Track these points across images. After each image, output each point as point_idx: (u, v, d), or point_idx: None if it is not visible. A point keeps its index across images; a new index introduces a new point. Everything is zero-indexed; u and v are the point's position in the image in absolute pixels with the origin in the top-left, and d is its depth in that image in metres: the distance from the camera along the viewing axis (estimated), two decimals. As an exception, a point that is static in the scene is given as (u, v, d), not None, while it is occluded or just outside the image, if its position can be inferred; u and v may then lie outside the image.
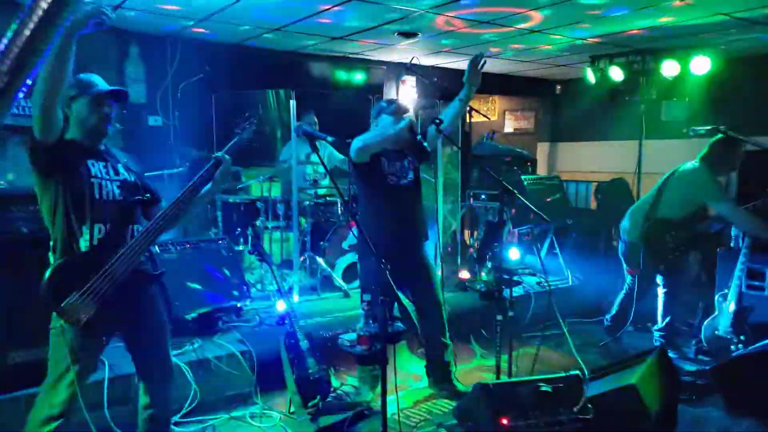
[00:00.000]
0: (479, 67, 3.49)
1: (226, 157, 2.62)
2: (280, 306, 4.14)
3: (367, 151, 3.41)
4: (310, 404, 3.40)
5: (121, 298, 2.34)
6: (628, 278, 4.61)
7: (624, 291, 4.65)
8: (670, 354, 3.70)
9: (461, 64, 7.12)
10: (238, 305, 4.29)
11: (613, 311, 4.82)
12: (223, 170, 2.60)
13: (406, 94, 6.82)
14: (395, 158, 3.55)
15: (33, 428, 2.38)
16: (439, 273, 4.29)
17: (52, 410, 2.35)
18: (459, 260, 5.87)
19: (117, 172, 2.50)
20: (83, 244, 2.32)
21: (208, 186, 2.62)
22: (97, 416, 3.12)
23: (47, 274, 2.26)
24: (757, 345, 3.75)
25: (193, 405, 3.44)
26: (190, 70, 5.72)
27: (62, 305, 2.23)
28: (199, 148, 5.60)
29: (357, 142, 3.44)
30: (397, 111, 3.48)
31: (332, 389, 3.64)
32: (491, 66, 7.22)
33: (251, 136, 2.77)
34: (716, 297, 4.38)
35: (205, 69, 5.51)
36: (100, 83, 2.48)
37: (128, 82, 5.65)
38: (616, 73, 6.16)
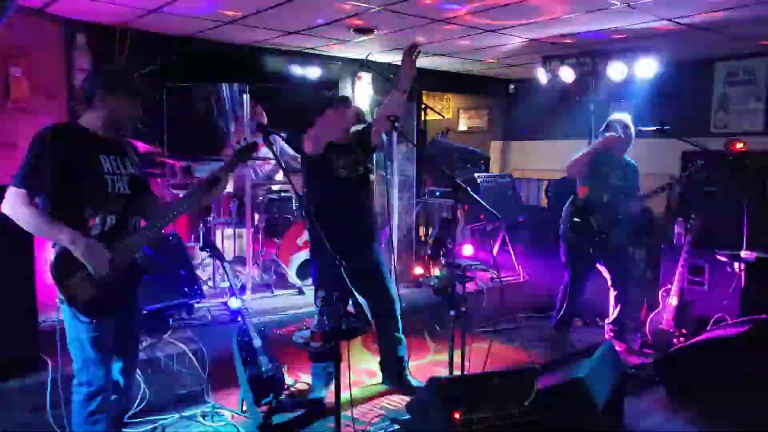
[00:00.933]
0: (413, 57, 3.52)
1: (222, 176, 2.74)
2: (233, 303, 4.08)
3: (320, 139, 3.42)
4: (263, 402, 3.37)
5: (118, 286, 2.51)
6: (566, 272, 4.72)
7: (563, 286, 4.78)
8: (616, 347, 3.82)
9: (417, 61, 7.14)
10: (190, 303, 4.20)
11: (558, 307, 4.94)
12: (221, 188, 2.78)
13: (362, 90, 6.80)
14: (343, 152, 3.55)
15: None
16: (393, 268, 4.31)
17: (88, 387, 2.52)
18: (413, 256, 5.91)
19: (125, 166, 2.61)
20: (95, 231, 2.47)
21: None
22: (39, 417, 3.03)
23: (54, 254, 2.41)
24: (698, 338, 3.92)
25: (143, 405, 3.37)
26: (140, 62, 5.55)
27: (66, 281, 2.39)
28: (148, 142, 5.44)
29: (309, 134, 3.48)
30: (341, 104, 3.58)
31: (286, 387, 3.61)
32: (445, 64, 7.29)
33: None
34: (660, 292, 4.55)
35: (156, 61, 5.35)
36: (131, 79, 2.65)
37: (75, 72, 5.45)
38: (567, 74, 6.31)
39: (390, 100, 3.62)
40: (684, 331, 4.30)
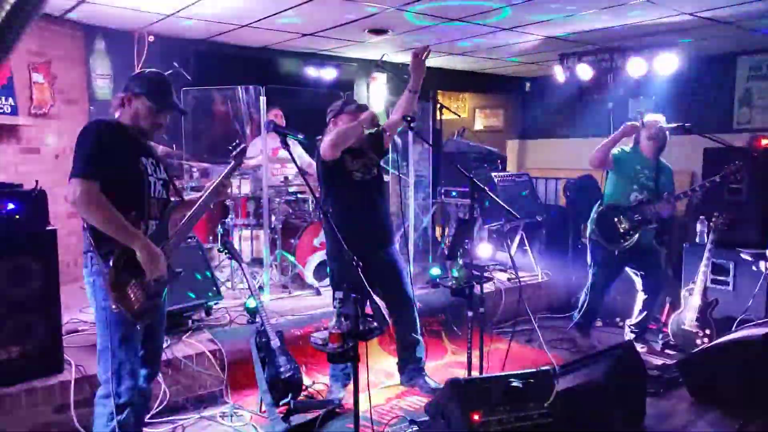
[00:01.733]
0: (422, 58, 3.53)
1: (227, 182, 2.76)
2: (251, 304, 4.10)
3: (339, 146, 3.40)
4: (281, 403, 3.37)
5: (158, 292, 2.48)
6: (591, 273, 4.66)
7: (587, 287, 4.71)
8: (638, 348, 3.77)
9: (431, 60, 7.12)
10: (208, 304, 4.23)
11: (580, 307, 4.89)
12: (226, 194, 2.81)
13: (377, 90, 6.80)
14: (357, 155, 3.56)
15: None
16: (410, 269, 4.29)
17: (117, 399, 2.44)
18: (430, 257, 5.89)
19: (161, 170, 2.59)
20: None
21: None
22: (63, 417, 3.07)
23: (113, 260, 2.30)
24: (722, 338, 3.85)
25: (163, 405, 3.39)
26: (157, 66, 5.60)
27: (123, 288, 2.31)
28: (167, 145, 5.49)
29: (323, 143, 3.45)
30: (357, 110, 3.53)
31: (304, 388, 3.62)
32: (461, 63, 7.26)
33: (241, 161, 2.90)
34: (682, 292, 4.48)
35: (173, 65, 5.40)
36: (167, 90, 2.57)
37: (94, 78, 5.53)
38: (584, 71, 6.25)
39: (402, 102, 3.64)
40: (707, 331, 4.22)
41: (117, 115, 2.53)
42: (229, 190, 2.80)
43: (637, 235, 4.33)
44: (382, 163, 3.76)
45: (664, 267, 5.61)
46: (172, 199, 2.69)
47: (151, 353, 2.66)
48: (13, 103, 4.67)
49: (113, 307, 2.31)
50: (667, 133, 4.42)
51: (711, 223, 4.41)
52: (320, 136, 3.59)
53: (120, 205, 2.34)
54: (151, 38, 5.55)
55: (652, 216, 4.32)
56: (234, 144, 2.78)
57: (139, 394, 2.59)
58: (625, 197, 4.40)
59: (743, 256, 4.59)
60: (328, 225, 2.99)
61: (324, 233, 4.08)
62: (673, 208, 4.40)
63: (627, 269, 4.58)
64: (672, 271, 5.92)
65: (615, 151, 4.41)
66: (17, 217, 3.05)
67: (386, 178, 3.87)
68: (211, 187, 2.72)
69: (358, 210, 3.52)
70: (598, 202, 4.55)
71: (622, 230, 4.36)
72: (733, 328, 4.16)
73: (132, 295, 2.35)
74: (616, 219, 4.38)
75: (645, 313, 4.56)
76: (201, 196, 2.72)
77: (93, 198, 2.27)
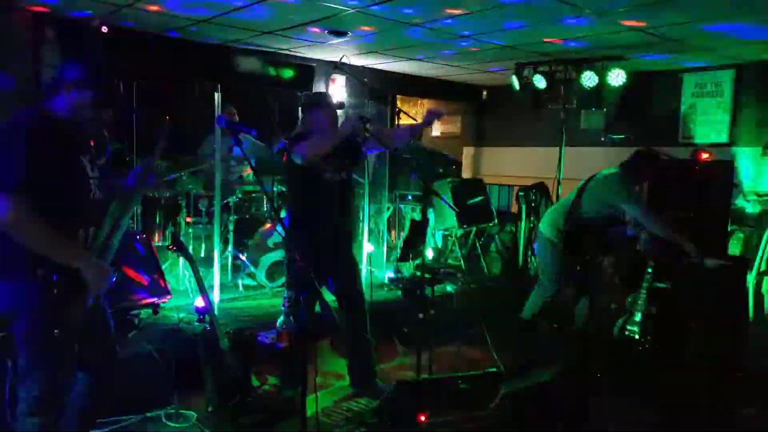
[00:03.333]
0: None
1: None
2: (200, 304, 4.03)
3: (319, 156, 3.37)
4: (229, 404, 3.33)
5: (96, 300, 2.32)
6: (542, 278, 4.77)
7: (535, 290, 4.81)
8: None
9: (391, 65, 7.18)
10: (156, 303, 4.14)
11: (529, 309, 4.99)
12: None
13: (336, 92, 6.80)
14: (330, 155, 3.54)
15: None
16: (363, 270, 4.31)
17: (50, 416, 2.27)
18: (383, 259, 5.92)
19: (95, 167, 2.34)
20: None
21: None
22: None
23: (56, 276, 2.11)
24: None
25: (106, 405, 3.29)
26: (111, 58, 5.46)
27: (66, 307, 2.15)
28: (118, 140, 5.36)
29: (303, 149, 3.38)
30: (329, 107, 3.52)
31: (252, 389, 3.58)
32: (420, 69, 7.33)
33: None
34: (627, 299, 4.62)
35: (128, 57, 5.27)
36: (111, 82, 2.37)
37: (42, 68, 5.33)
38: (540, 82, 6.39)
39: (399, 133, 3.84)
40: (650, 338, 4.36)
41: (48, 105, 2.22)
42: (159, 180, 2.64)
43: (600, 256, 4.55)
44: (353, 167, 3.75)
45: (610, 273, 5.79)
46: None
47: (95, 354, 2.48)
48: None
49: (56, 332, 2.13)
50: None
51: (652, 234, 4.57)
52: (291, 134, 3.54)
53: (58, 213, 2.10)
54: (105, 29, 5.39)
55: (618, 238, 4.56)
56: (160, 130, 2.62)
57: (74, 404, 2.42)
58: (597, 216, 4.56)
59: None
60: (282, 223, 2.97)
61: (278, 232, 4.06)
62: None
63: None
64: (619, 278, 6.12)
65: None
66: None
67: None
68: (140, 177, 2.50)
69: (324, 209, 3.49)
70: (563, 213, 4.65)
71: (587, 248, 4.52)
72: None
73: (73, 315, 2.18)
74: (584, 237, 4.54)
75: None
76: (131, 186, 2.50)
77: (24, 218, 2.01)
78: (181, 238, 5.17)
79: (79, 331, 2.26)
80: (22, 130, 2.09)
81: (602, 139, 7.04)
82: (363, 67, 7.19)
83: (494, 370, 2.92)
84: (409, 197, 6.16)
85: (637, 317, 4.42)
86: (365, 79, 6.61)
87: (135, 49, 5.49)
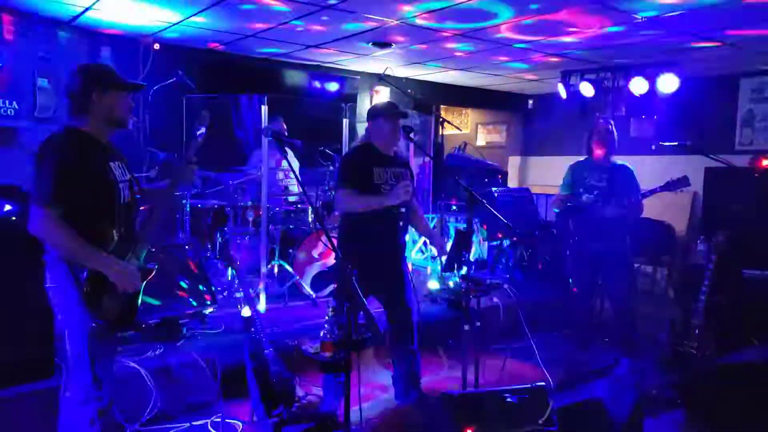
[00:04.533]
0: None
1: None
2: (246, 313, 4.07)
3: (350, 211, 3.53)
4: (273, 414, 3.33)
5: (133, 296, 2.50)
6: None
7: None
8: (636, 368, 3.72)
9: (434, 76, 7.17)
10: (203, 312, 4.20)
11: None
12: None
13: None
14: (386, 164, 3.56)
15: None
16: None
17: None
18: (428, 270, 5.87)
19: (126, 171, 2.54)
20: (112, 246, 2.41)
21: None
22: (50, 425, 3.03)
23: (85, 277, 2.31)
24: (722, 361, 3.81)
25: (154, 412, 3.35)
26: (162, 73, 5.64)
27: (99, 304, 2.33)
28: (168, 151, 5.50)
29: (338, 201, 3.56)
30: (393, 117, 3.54)
31: (297, 398, 3.58)
32: (464, 79, 7.29)
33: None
34: (684, 312, 4.43)
35: (178, 72, 5.43)
36: (116, 71, 2.52)
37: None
38: (587, 89, 6.26)
39: (424, 224, 3.92)
40: (708, 353, 4.17)
41: (75, 122, 2.42)
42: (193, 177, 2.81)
43: (587, 237, 4.41)
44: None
45: (664, 286, 5.59)
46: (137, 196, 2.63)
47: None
48: (16, 107, 4.69)
49: (92, 324, 2.32)
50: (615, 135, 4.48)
51: (712, 243, 4.38)
52: (352, 145, 3.63)
53: (90, 218, 2.32)
54: (157, 46, 5.58)
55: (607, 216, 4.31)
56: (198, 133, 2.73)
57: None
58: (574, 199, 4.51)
59: (747, 276, 4.55)
60: (328, 235, 2.98)
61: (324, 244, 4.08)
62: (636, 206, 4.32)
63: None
64: (673, 290, 5.90)
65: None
66: (14, 218, 3.04)
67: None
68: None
69: (380, 220, 3.46)
70: None
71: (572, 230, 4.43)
72: (734, 351, 4.11)
73: (109, 308, 2.36)
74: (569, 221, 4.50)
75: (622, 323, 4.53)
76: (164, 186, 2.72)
77: (54, 228, 2.25)
78: (229, 248, 5.27)
79: (120, 326, 2.51)
80: (54, 149, 2.31)
81: (653, 147, 6.83)
82: (406, 78, 7.20)
83: (543, 384, 2.83)
84: (454, 207, 6.10)
85: (695, 331, 4.23)
86: (409, 90, 6.61)
87: (184, 64, 5.64)
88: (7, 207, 3.04)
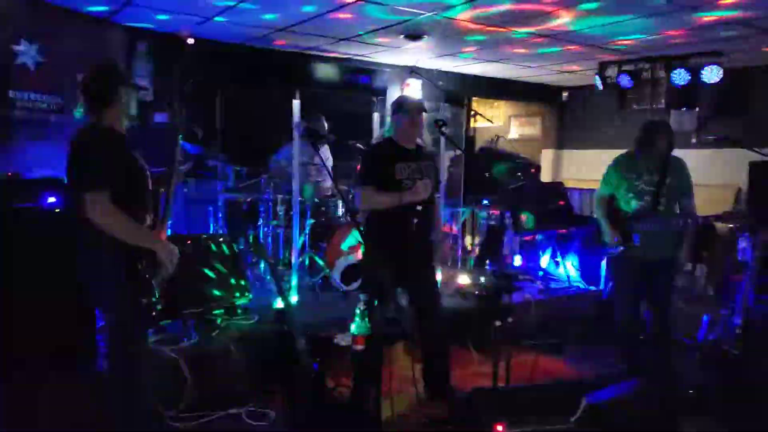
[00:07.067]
0: None
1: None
2: (279, 305, 4.12)
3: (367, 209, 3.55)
4: (305, 404, 3.37)
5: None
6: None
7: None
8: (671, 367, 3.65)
9: (465, 68, 7.10)
10: (237, 303, 4.27)
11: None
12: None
13: (411, 96, 6.80)
14: (410, 158, 3.55)
15: None
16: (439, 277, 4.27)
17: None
18: (459, 264, 5.84)
19: (145, 162, 2.63)
20: None
21: None
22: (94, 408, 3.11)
23: (129, 259, 2.45)
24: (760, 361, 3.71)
25: (190, 401, 3.42)
26: (196, 68, 5.72)
27: (145, 284, 2.47)
28: (201, 145, 5.59)
29: (358, 199, 3.58)
30: (411, 111, 3.52)
31: (328, 390, 3.61)
32: (497, 70, 7.21)
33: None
34: (722, 311, 4.32)
35: (212, 67, 5.50)
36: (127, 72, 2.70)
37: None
38: (625, 81, 6.13)
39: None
40: (749, 354, 4.05)
41: (96, 120, 2.52)
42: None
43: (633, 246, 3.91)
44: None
45: (703, 284, 5.43)
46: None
47: None
48: (60, 102, 4.83)
49: (143, 300, 2.45)
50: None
51: (755, 240, 4.23)
52: (373, 139, 3.60)
53: (129, 204, 2.44)
54: (191, 41, 5.66)
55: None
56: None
57: None
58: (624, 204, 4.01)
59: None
60: (359, 228, 2.99)
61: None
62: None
63: None
64: (713, 288, 5.74)
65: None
66: (57, 210, 3.13)
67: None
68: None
69: (404, 215, 3.45)
70: None
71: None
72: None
73: (154, 288, 2.50)
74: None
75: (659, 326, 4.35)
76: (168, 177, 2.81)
77: (108, 210, 2.36)
78: (261, 241, 5.33)
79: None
80: (94, 142, 2.45)
81: (693, 141, 6.64)
82: (438, 70, 7.16)
83: (575, 381, 2.80)
84: (485, 201, 6.05)
85: (736, 331, 4.11)
86: (440, 82, 6.56)
87: (217, 59, 5.71)
88: (51, 199, 3.13)
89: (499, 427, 2.58)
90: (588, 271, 5.83)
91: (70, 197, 2.54)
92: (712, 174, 4.35)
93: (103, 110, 2.51)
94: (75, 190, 2.43)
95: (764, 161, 4.59)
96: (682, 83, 5.80)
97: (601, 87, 6.37)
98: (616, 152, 4.26)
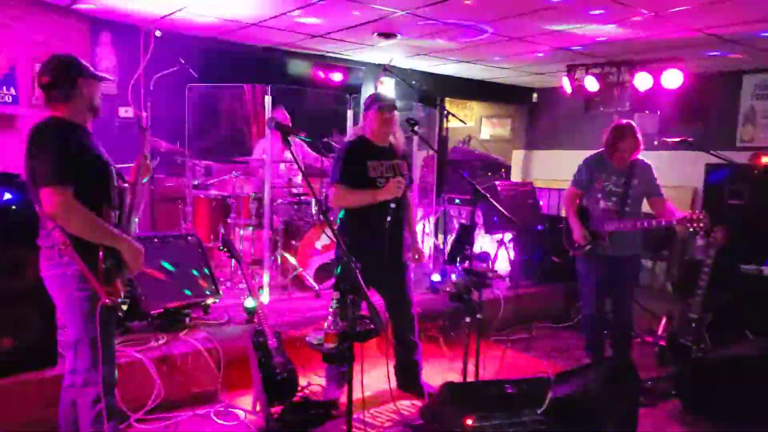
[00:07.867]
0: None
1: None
2: (250, 304, 4.11)
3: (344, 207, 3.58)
4: (276, 403, 3.37)
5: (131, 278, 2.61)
6: None
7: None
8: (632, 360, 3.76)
9: (440, 68, 7.16)
10: (206, 302, 4.23)
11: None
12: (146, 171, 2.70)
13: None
14: (381, 156, 3.58)
15: None
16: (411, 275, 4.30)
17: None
18: (431, 262, 5.90)
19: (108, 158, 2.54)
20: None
21: None
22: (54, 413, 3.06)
23: (101, 257, 2.33)
24: (718, 354, 3.84)
25: (157, 402, 3.39)
26: (164, 62, 5.62)
27: (112, 283, 2.36)
28: (170, 141, 5.51)
29: (331, 196, 3.59)
30: (383, 108, 3.52)
31: (299, 388, 3.62)
32: (470, 71, 7.29)
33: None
34: (679, 305, 4.46)
35: (180, 61, 5.40)
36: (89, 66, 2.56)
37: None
38: (592, 84, 6.26)
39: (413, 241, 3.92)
40: (703, 346, 4.21)
41: (63, 110, 2.42)
42: (148, 163, 2.69)
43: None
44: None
45: (662, 280, 5.59)
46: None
47: None
48: (14, 93, 4.69)
49: (107, 301, 2.34)
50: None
51: (710, 238, 4.39)
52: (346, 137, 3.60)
53: (92, 199, 2.33)
54: (158, 33, 5.55)
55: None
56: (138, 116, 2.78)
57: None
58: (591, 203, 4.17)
59: (743, 271, 4.58)
60: (331, 226, 3.00)
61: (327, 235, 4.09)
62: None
63: None
64: (671, 284, 5.92)
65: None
66: (13, 207, 3.03)
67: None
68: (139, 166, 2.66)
69: (378, 213, 3.45)
70: None
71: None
72: (730, 343, 4.15)
73: (120, 288, 2.40)
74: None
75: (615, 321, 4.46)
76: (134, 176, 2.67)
77: (71, 207, 2.25)
78: (232, 239, 5.29)
79: (121, 306, 2.48)
80: (51, 131, 2.34)
81: (655, 142, 6.83)
82: (411, 69, 7.20)
83: (542, 375, 2.86)
84: (457, 200, 6.12)
85: (692, 325, 4.26)
86: (414, 81, 6.60)
87: (185, 52, 5.60)
88: (7, 195, 3.03)
89: (469, 421, 2.63)
90: (556, 267, 5.95)
91: (29, 194, 2.38)
92: (671, 176, 4.49)
93: (62, 103, 2.41)
94: (32, 186, 2.31)
95: (719, 163, 4.77)
96: (645, 87, 5.96)
97: (569, 89, 6.49)
98: (585, 153, 4.38)
